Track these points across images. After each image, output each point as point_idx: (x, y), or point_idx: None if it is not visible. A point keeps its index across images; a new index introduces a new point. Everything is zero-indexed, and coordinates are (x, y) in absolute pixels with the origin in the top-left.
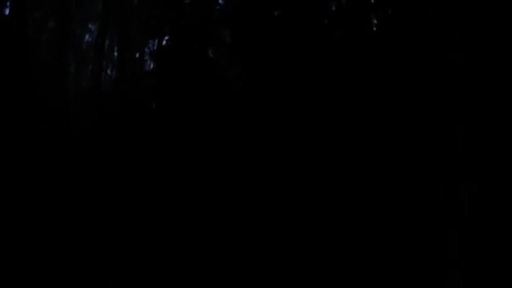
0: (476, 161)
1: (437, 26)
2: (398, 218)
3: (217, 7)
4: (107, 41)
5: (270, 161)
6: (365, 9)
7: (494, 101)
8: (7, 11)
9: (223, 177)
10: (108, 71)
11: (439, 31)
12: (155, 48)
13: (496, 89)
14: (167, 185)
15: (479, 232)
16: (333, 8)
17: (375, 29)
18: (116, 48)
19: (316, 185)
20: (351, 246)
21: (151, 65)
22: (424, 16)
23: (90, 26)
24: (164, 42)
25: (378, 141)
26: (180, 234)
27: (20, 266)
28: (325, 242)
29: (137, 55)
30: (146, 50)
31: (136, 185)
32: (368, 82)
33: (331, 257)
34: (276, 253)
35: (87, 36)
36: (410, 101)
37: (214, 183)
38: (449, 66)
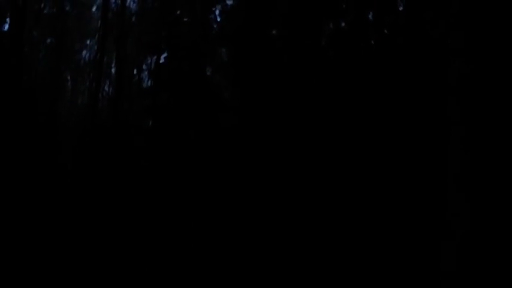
0: (475, 169)
1: (438, 29)
2: (393, 224)
3: (215, 25)
4: (104, 58)
5: (266, 178)
6: (363, 29)
7: (496, 105)
8: (6, 27)
9: (218, 194)
10: (106, 88)
11: (440, 35)
12: (152, 65)
13: (498, 93)
14: (159, 197)
15: (477, 242)
16: (331, 27)
17: (373, 49)
18: (113, 65)
19: (308, 199)
20: (346, 248)
21: (149, 82)
22: (423, 20)
23: (88, 42)
24: (161, 60)
25: (375, 155)
26: (167, 247)
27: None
28: (315, 251)
29: (135, 71)
30: (144, 66)
31: (126, 200)
32: (365, 101)
33: (324, 262)
34: (274, 253)
35: (84, 53)
36: (409, 108)
37: (208, 201)
38: (452, 71)
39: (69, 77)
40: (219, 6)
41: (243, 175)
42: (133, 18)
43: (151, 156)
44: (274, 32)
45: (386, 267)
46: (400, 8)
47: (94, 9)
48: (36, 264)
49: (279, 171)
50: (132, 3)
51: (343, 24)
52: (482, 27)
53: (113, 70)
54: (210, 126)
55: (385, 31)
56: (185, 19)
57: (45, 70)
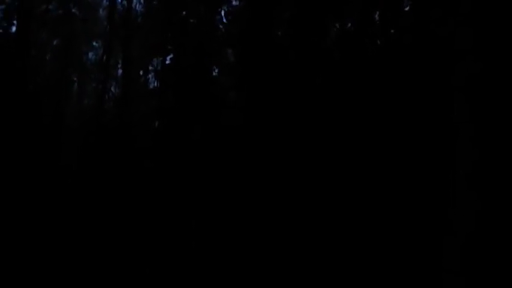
0: (484, 167)
1: (446, 28)
2: (398, 223)
3: (221, 26)
4: (110, 59)
5: (272, 178)
6: (369, 27)
7: (505, 103)
8: (13, 29)
9: (222, 194)
10: (112, 89)
11: (448, 33)
12: (159, 66)
13: (507, 92)
14: (163, 198)
15: (484, 241)
16: (336, 28)
17: (379, 47)
18: (119, 66)
19: (309, 203)
20: (350, 246)
21: (155, 83)
22: (431, 18)
23: (94, 44)
24: (168, 61)
25: (381, 154)
26: (171, 246)
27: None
28: (319, 248)
29: (141, 73)
30: (150, 68)
31: (130, 200)
32: (372, 99)
33: (327, 260)
34: (278, 254)
35: (91, 54)
36: (416, 106)
37: (212, 201)
38: (460, 70)
39: (75, 78)
40: (224, 7)
41: (249, 175)
42: (140, 20)
43: (157, 157)
44: (280, 31)
45: (391, 266)
46: (407, 6)
47: (100, 11)
48: (41, 264)
49: (284, 171)
50: (138, 4)
51: (349, 23)
52: (491, 25)
53: (119, 71)
54: (216, 126)
55: (392, 29)
56: (191, 20)
57: (53, 71)
